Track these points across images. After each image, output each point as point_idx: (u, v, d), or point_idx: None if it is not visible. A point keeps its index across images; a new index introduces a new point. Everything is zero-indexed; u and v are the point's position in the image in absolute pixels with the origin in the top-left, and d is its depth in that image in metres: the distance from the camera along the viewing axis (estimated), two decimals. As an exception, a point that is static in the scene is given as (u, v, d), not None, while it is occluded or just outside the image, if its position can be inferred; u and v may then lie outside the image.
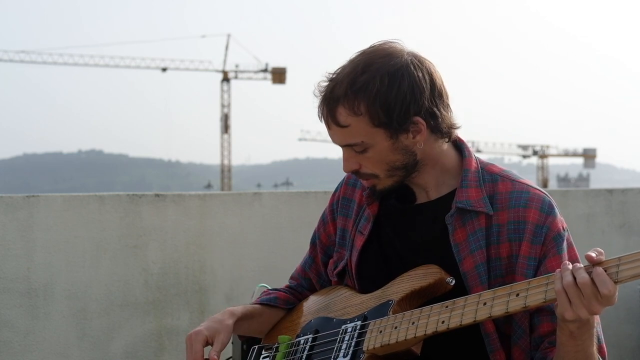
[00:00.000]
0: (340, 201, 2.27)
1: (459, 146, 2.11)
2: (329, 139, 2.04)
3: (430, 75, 1.98)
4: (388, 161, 2.00)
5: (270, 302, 2.30)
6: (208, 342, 2.10)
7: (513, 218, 2.00)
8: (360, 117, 1.95)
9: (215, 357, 2.06)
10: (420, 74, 1.95)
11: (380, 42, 2.03)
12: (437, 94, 1.98)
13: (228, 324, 2.14)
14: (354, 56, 2.01)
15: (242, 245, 4.38)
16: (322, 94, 2.00)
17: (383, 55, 1.97)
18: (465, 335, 1.98)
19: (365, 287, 2.14)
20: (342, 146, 2.02)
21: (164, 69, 77.32)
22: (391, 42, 2.02)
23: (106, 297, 4.14)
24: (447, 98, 2.01)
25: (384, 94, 1.93)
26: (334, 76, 1.99)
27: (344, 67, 1.99)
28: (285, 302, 2.31)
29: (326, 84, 2.00)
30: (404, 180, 2.05)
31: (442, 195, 2.07)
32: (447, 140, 2.05)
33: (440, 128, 2.01)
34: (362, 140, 1.97)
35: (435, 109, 1.98)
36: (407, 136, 1.98)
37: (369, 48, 2.02)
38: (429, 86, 1.97)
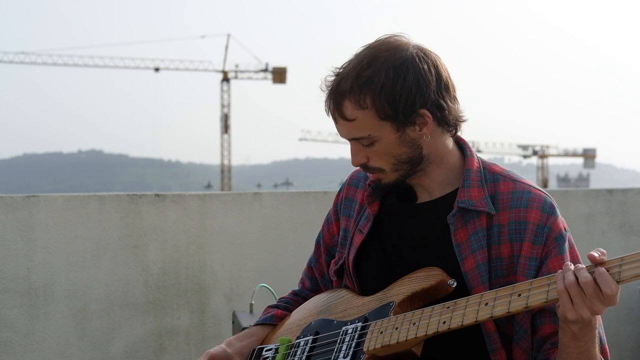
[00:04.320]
0: (343, 202, 2.27)
1: (460, 146, 2.11)
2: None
3: (436, 67, 1.99)
4: (395, 154, 2.01)
5: (266, 321, 2.33)
6: None
7: (514, 218, 2.00)
8: (366, 111, 1.96)
9: None
10: (425, 67, 1.96)
11: (385, 36, 2.04)
12: (443, 86, 1.99)
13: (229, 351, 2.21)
14: (359, 50, 2.02)
15: (242, 245, 4.38)
16: (329, 89, 2.01)
17: (388, 48, 1.98)
18: (466, 336, 1.98)
19: (364, 286, 2.13)
20: (349, 139, 2.03)
21: (159, 69, 77.13)
22: (396, 36, 2.03)
23: (106, 297, 4.13)
24: (454, 90, 2.02)
25: (389, 88, 1.94)
26: (340, 70, 2.00)
27: (349, 62, 2.01)
28: (280, 320, 2.33)
29: (332, 78, 2.01)
30: (408, 176, 2.05)
31: (444, 194, 2.07)
32: (454, 132, 2.06)
33: (447, 120, 2.01)
34: (368, 134, 1.98)
35: (442, 101, 1.99)
36: (413, 129, 1.99)
37: (375, 42, 2.02)
38: (434, 79, 1.97)
